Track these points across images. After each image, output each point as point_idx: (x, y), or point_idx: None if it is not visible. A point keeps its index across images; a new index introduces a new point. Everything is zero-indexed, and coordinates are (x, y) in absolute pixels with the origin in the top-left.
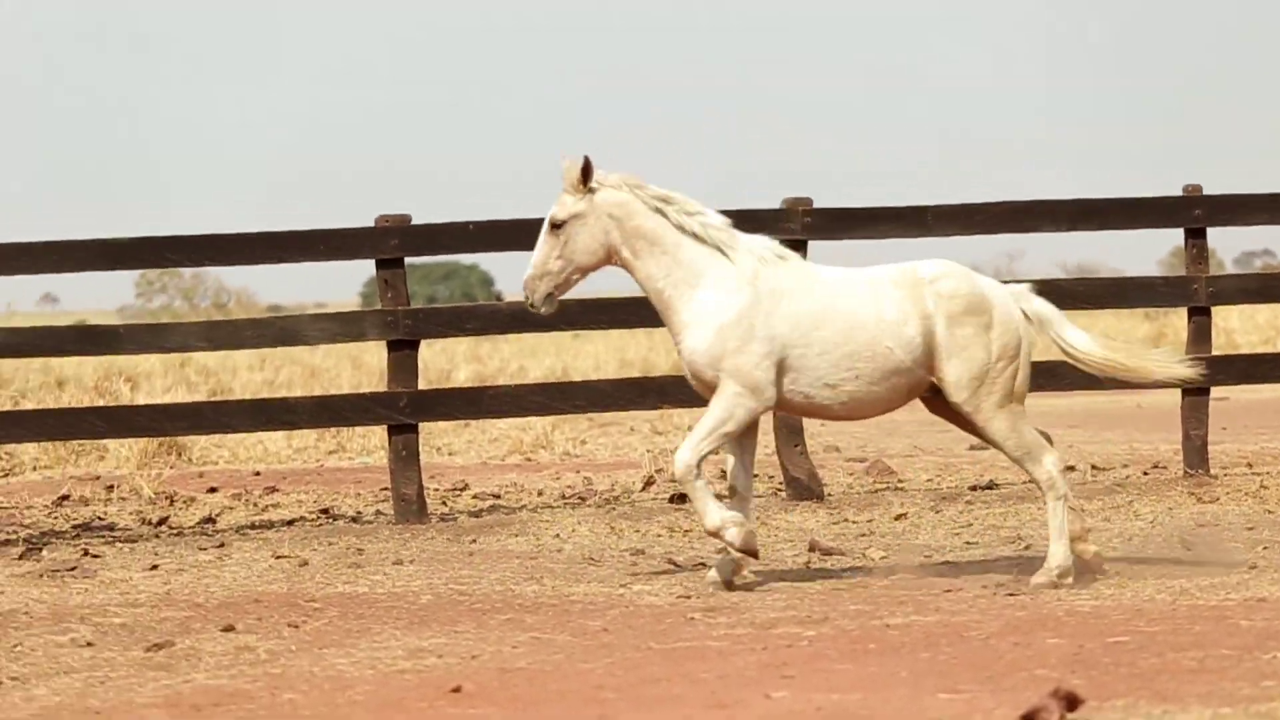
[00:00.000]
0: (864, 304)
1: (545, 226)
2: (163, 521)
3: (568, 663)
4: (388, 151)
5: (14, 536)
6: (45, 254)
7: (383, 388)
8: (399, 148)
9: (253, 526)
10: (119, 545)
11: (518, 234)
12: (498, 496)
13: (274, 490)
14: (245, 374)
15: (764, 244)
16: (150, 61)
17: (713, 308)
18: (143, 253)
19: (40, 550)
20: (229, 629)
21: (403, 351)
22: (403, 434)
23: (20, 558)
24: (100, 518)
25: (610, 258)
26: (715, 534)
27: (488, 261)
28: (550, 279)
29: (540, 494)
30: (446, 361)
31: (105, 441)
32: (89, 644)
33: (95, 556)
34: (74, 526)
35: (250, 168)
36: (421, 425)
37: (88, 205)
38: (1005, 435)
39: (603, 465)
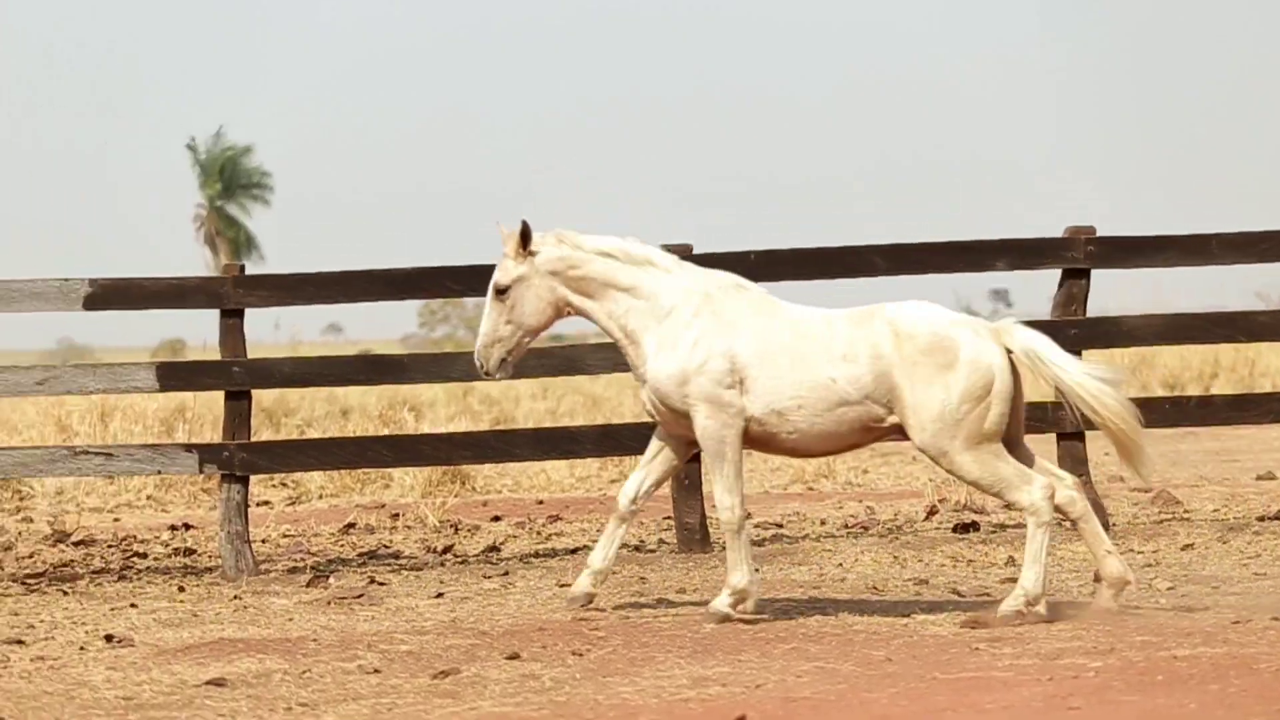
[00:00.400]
0: (814, 337)
1: (490, 294)
2: (448, 550)
3: (852, 692)
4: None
5: (302, 564)
6: (330, 284)
7: None
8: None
9: (536, 555)
10: (405, 573)
11: (798, 264)
12: (780, 525)
13: (557, 519)
14: (528, 403)
15: (722, 276)
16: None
17: (675, 335)
18: (425, 282)
19: (327, 578)
20: (514, 657)
21: None
22: (687, 463)
23: (308, 585)
24: (386, 546)
25: (560, 312)
26: (737, 593)
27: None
28: (502, 345)
29: (822, 523)
30: None
31: (391, 470)
32: (376, 671)
33: (381, 584)
34: (360, 554)
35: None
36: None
37: (367, 237)
38: (974, 475)
39: (885, 494)
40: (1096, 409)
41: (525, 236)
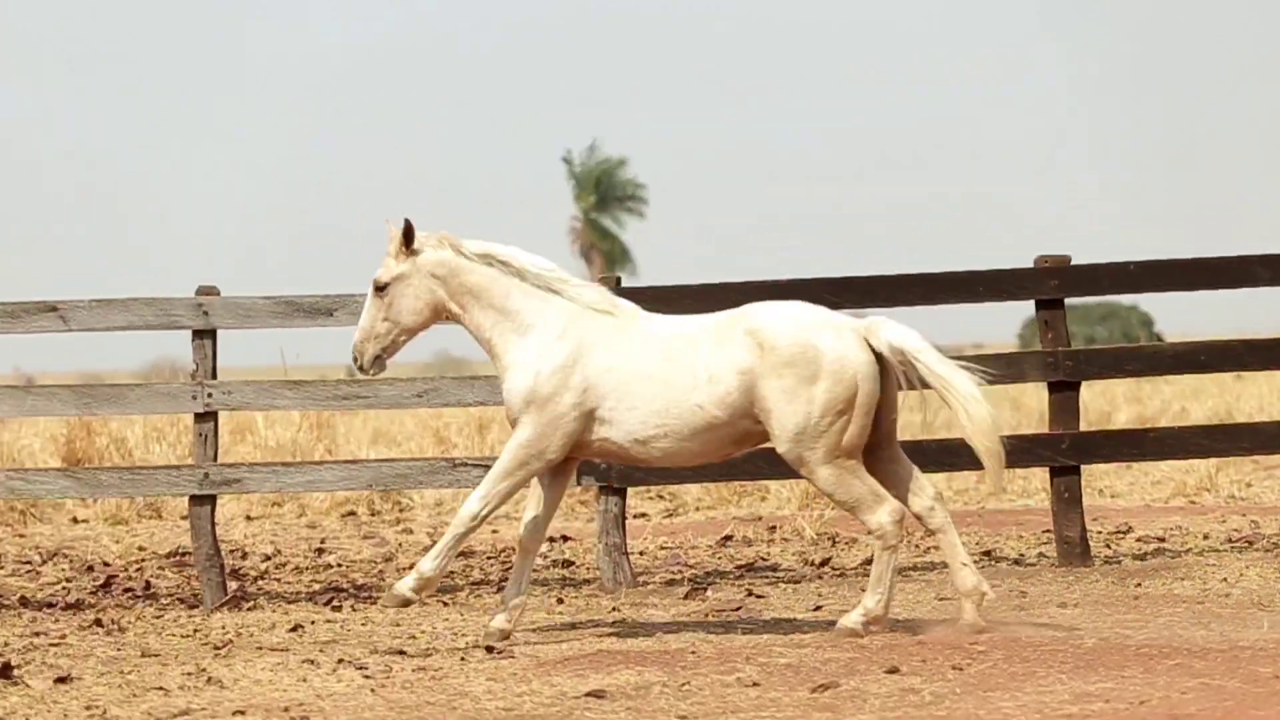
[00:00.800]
0: (680, 360)
1: (370, 290)
2: (825, 563)
3: (1239, 709)
4: (1043, 192)
5: (680, 576)
6: (705, 296)
7: (1043, 429)
8: (1053, 188)
9: (914, 568)
10: (782, 586)
11: (1184, 274)
12: (1162, 540)
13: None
14: (905, 415)
15: (595, 294)
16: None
17: (534, 355)
18: (805, 295)
19: (705, 590)
20: (893, 671)
21: (1064, 393)
22: (1065, 476)
23: (686, 597)
24: (763, 558)
25: (438, 315)
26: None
27: (1148, 302)
28: (377, 341)
29: (1205, 537)
30: (1106, 403)
31: (767, 482)
32: (755, 684)
33: (759, 597)
34: (738, 567)
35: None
36: (1083, 467)
37: (736, 250)
38: (831, 487)
39: (1270, 508)
40: (963, 414)
41: (408, 235)
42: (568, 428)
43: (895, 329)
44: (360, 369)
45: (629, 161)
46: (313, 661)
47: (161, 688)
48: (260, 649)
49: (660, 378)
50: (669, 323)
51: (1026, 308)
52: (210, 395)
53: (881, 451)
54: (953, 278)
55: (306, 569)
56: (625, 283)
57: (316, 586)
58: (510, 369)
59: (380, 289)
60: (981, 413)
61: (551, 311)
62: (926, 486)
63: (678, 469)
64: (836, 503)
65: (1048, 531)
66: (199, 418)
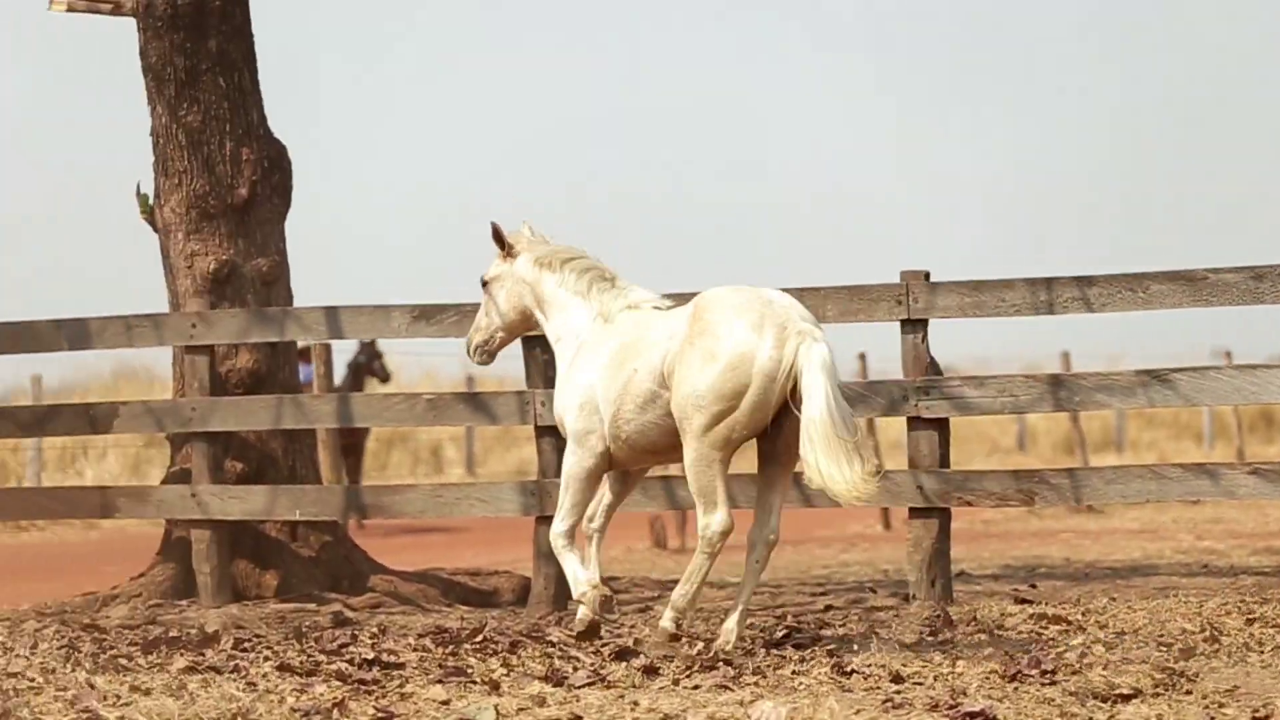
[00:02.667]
0: (640, 335)
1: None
2: None
3: None
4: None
5: None
6: None
7: None
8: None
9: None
10: None
11: None
12: None
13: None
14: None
15: (640, 295)
16: None
17: (566, 364)
18: None
19: None
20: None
21: None
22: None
23: None
24: None
25: (528, 320)
26: (579, 600)
27: None
28: (481, 334)
29: None
30: None
31: None
32: None
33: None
34: None
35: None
36: None
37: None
38: (691, 468)
39: None
40: (804, 436)
41: (498, 238)
42: (582, 425)
43: (814, 350)
44: (469, 354)
45: None
46: None
47: None
48: None
49: (628, 370)
50: (655, 317)
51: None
52: None
53: (768, 468)
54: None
55: None
56: None
57: None
58: (558, 381)
59: (485, 285)
60: (816, 437)
61: (589, 319)
62: (771, 525)
63: (655, 463)
64: (691, 485)
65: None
66: None
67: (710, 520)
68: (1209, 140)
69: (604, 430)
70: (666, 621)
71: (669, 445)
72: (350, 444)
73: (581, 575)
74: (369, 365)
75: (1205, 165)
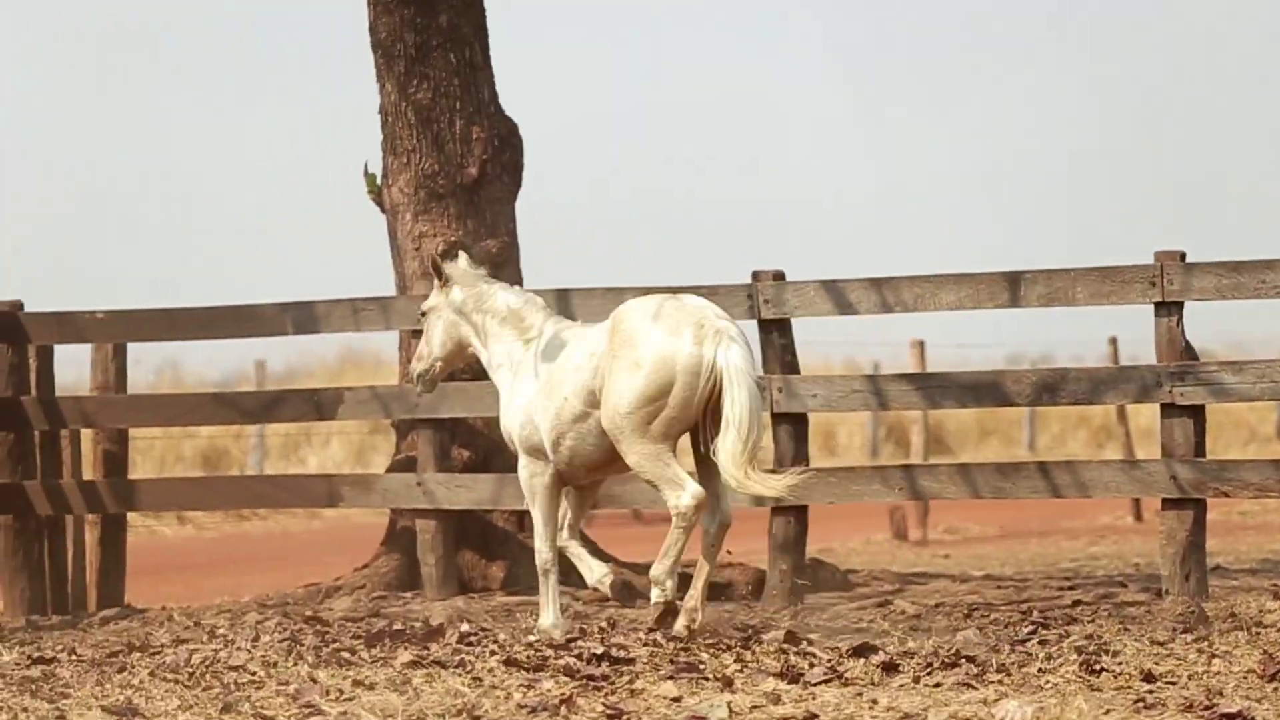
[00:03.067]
0: (565, 359)
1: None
2: None
3: None
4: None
5: None
6: None
7: None
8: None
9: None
10: None
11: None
12: None
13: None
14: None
15: (563, 321)
16: None
17: (506, 390)
18: None
19: None
20: None
21: None
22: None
23: None
24: None
25: (464, 350)
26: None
27: None
28: (422, 363)
29: None
30: None
31: None
32: None
33: None
34: None
35: None
36: None
37: None
38: (641, 467)
39: None
40: (722, 438)
41: (435, 269)
42: (530, 438)
43: (732, 351)
44: (412, 382)
45: None
46: None
47: None
48: None
49: (552, 381)
50: (583, 330)
51: None
52: None
53: (709, 459)
54: None
55: None
56: None
57: None
58: (502, 404)
59: (423, 315)
60: (732, 446)
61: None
62: (723, 509)
63: (599, 479)
64: (647, 481)
65: None
66: None
67: (679, 496)
68: None
69: (547, 450)
70: (655, 595)
71: (607, 460)
72: None
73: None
74: None
75: None
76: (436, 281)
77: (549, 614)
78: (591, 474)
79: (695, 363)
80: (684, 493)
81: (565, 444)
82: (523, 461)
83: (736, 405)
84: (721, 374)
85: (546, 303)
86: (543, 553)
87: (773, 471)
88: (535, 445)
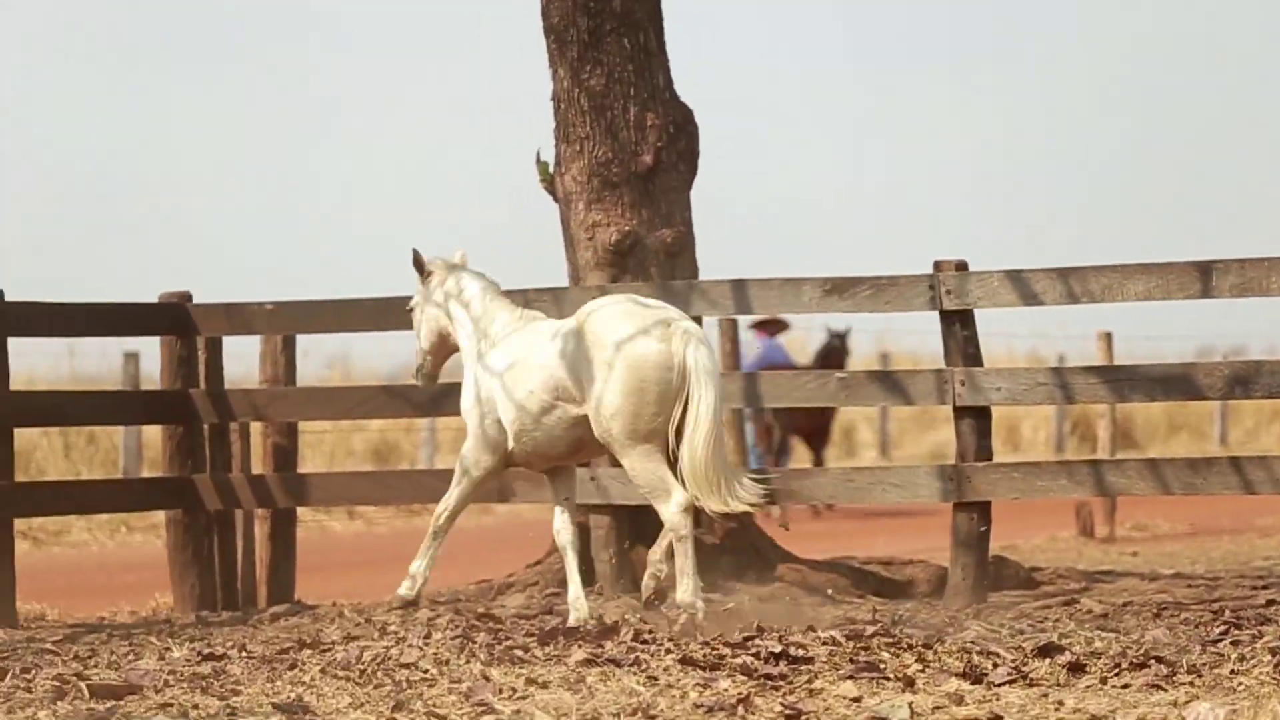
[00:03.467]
0: (530, 354)
1: None
2: None
3: None
4: None
5: None
6: None
7: None
8: None
9: None
10: None
11: None
12: None
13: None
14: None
15: (530, 313)
16: None
17: (470, 381)
18: None
19: None
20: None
21: None
22: None
23: None
24: None
25: (447, 343)
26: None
27: None
28: (419, 355)
29: None
30: None
31: None
32: None
33: None
34: None
35: None
36: None
37: None
38: (633, 470)
39: None
40: (686, 442)
41: (417, 264)
42: (482, 429)
43: (700, 353)
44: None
45: None
46: None
47: None
48: None
49: (515, 373)
50: (546, 324)
51: None
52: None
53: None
54: None
55: None
56: None
57: None
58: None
59: (409, 311)
60: (699, 448)
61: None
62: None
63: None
64: (638, 486)
65: None
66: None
67: (668, 508)
68: None
69: (509, 440)
70: (682, 620)
71: (570, 451)
72: (818, 425)
73: (419, 569)
74: (842, 347)
75: None
76: (419, 277)
77: (417, 564)
78: (549, 462)
79: (665, 358)
80: (671, 502)
81: (529, 435)
82: (471, 444)
83: (703, 404)
84: (690, 373)
85: (719, 293)
86: (440, 518)
87: (755, 477)
88: (491, 435)
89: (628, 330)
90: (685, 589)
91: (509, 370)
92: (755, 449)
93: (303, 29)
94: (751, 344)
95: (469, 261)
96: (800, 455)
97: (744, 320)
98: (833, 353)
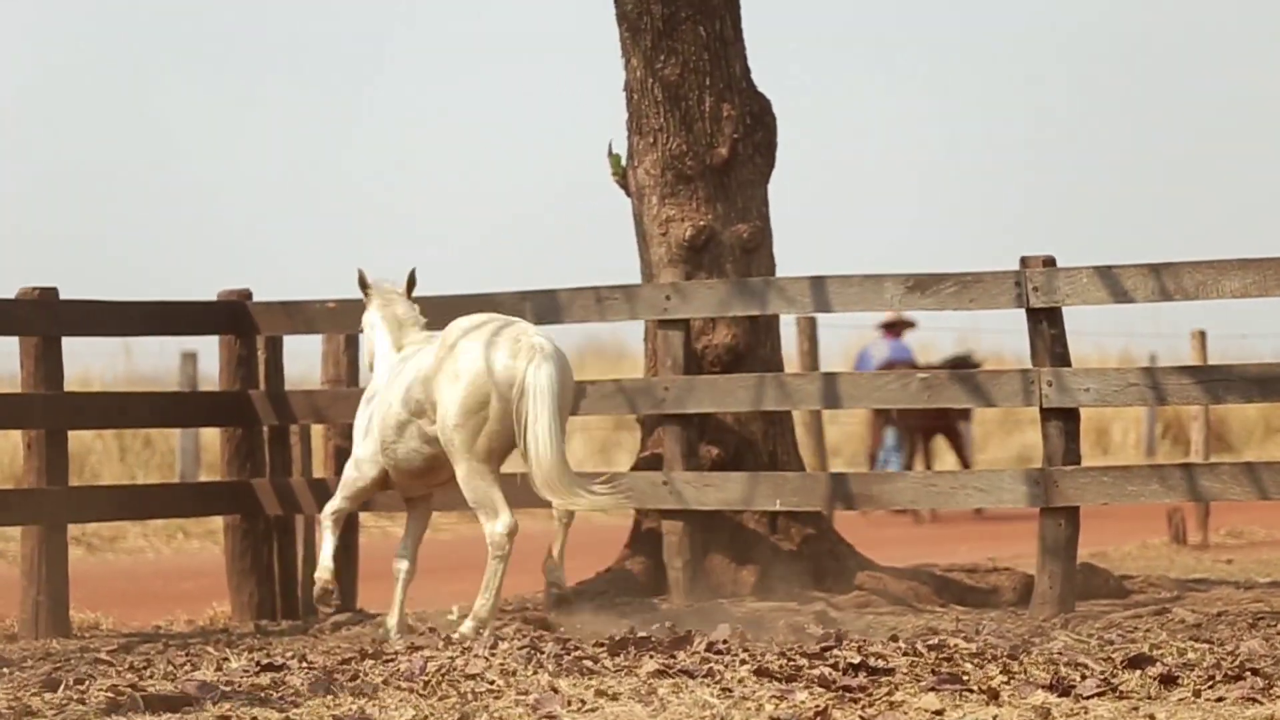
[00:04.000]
0: (400, 372)
1: None
2: None
3: None
4: None
5: None
6: None
7: None
8: None
9: None
10: None
11: None
12: None
13: None
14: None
15: (416, 335)
16: None
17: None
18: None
19: None
20: None
21: None
22: None
23: None
24: None
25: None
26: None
27: None
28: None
29: None
30: None
31: None
32: None
33: None
34: None
35: None
36: None
37: None
38: (465, 483)
39: None
40: (533, 462)
41: (361, 284)
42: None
43: (541, 371)
44: None
45: None
46: None
47: None
48: None
49: (387, 392)
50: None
51: None
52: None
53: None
54: None
55: None
56: None
57: None
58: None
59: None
60: (542, 465)
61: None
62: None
63: (421, 493)
64: (468, 499)
65: None
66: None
67: (494, 526)
68: None
69: (380, 452)
70: (467, 629)
71: (429, 468)
72: (944, 425)
73: (325, 560)
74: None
75: None
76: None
77: (323, 561)
78: (416, 481)
79: (510, 376)
80: (499, 523)
81: (391, 450)
82: (355, 458)
83: (538, 424)
84: (529, 392)
85: (797, 290)
86: (324, 512)
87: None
88: (370, 450)
89: (476, 348)
90: (483, 605)
91: (385, 389)
92: (899, 451)
93: (371, 24)
94: (878, 344)
95: (414, 283)
96: (947, 459)
97: (871, 319)
98: (959, 365)
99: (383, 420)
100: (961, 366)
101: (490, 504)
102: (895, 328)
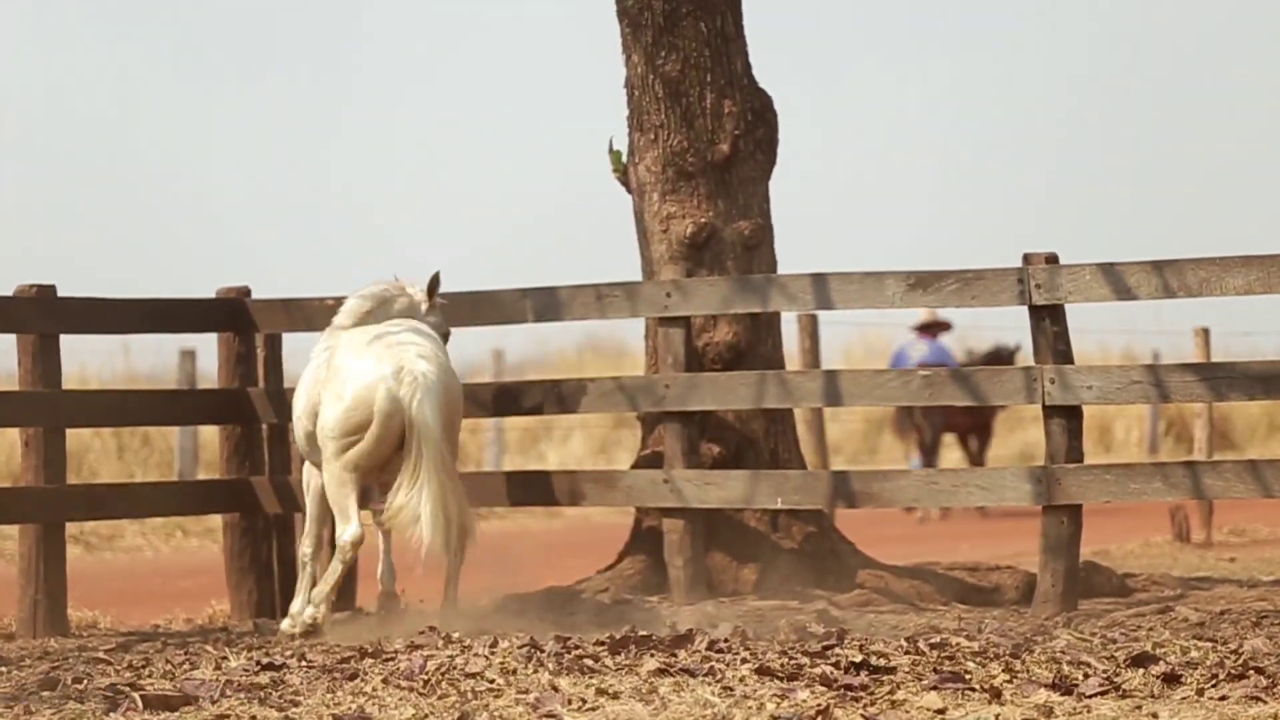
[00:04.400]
0: (300, 393)
1: None
2: None
3: None
4: None
5: None
6: None
7: None
8: None
9: None
10: None
11: None
12: None
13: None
14: None
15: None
16: None
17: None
18: None
19: None
20: None
21: None
22: None
23: None
24: None
25: None
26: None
27: None
28: None
29: None
30: None
31: None
32: None
33: None
34: None
35: None
36: None
37: None
38: (328, 486)
39: None
40: (423, 494)
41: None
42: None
43: (426, 403)
44: None
45: None
46: None
47: None
48: None
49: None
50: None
51: None
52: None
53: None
54: None
55: None
56: None
57: None
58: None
59: None
60: (428, 502)
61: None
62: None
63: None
64: (328, 498)
65: None
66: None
67: (342, 531)
68: None
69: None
70: (306, 616)
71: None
72: (978, 423)
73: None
74: (1010, 361)
75: None
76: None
77: (299, 601)
78: (364, 477)
79: (391, 407)
80: (348, 529)
81: (306, 456)
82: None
83: (424, 460)
84: (411, 423)
85: (799, 287)
86: (303, 547)
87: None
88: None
89: (361, 370)
90: (319, 592)
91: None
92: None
93: (371, 24)
94: (916, 344)
95: (437, 284)
96: (953, 457)
97: (908, 318)
98: (999, 359)
99: (296, 429)
100: (999, 360)
101: (344, 511)
102: (932, 329)
